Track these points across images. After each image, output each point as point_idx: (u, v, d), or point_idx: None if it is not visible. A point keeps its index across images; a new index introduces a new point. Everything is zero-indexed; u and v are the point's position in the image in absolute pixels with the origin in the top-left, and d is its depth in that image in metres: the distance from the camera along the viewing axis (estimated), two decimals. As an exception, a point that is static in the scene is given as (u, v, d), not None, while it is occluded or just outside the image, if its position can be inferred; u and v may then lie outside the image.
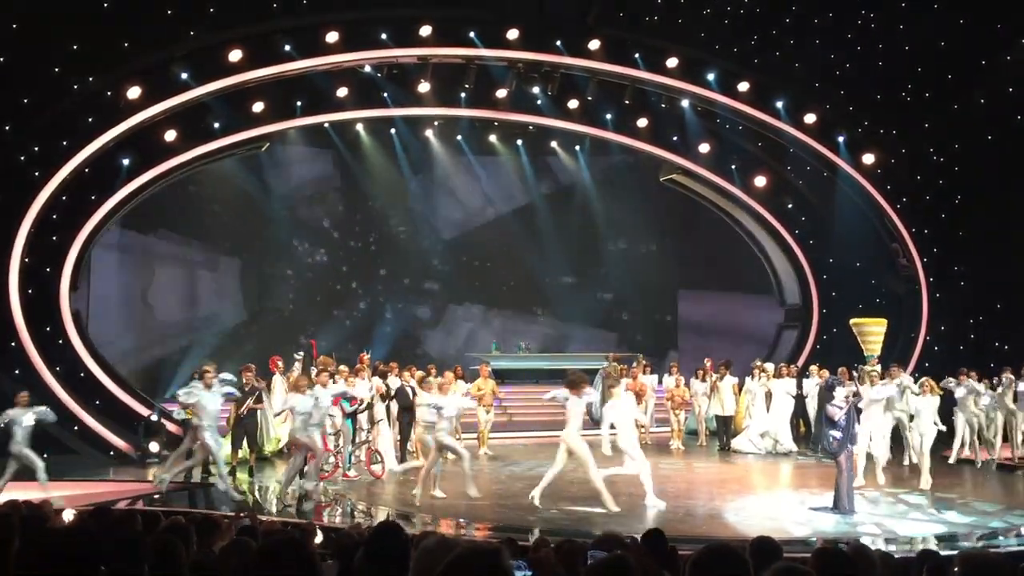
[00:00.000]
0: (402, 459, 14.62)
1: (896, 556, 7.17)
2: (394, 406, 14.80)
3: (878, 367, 15.22)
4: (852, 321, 16.89)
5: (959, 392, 14.49)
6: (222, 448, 12.12)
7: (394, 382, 15.01)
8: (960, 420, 14.62)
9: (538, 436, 17.56)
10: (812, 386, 16.17)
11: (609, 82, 18.78)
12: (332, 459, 13.68)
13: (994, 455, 14.94)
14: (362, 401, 13.86)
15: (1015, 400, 14.86)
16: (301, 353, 15.59)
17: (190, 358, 19.53)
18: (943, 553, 6.91)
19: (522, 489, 12.15)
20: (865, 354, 16.08)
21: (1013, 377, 15.02)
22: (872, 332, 16.46)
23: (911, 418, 13.79)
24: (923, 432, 13.08)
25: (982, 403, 14.74)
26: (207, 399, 11.61)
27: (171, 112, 16.33)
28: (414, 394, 14.96)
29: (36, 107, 15.26)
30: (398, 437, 14.83)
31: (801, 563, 3.43)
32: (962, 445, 14.77)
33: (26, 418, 11.41)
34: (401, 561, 3.33)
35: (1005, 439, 15.13)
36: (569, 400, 10.94)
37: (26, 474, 11.43)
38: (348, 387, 13.62)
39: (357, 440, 14.07)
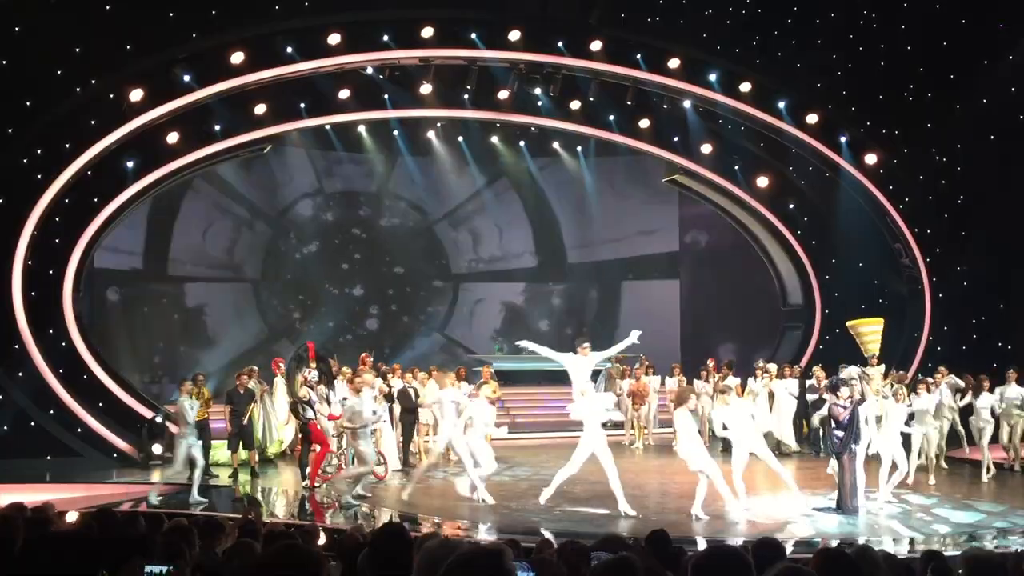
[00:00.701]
0: (405, 461, 14.62)
1: (900, 557, 7.16)
2: (396, 407, 14.80)
3: (881, 367, 15.18)
4: (848, 323, 16.87)
5: (921, 403, 13.14)
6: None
7: (396, 383, 15.01)
8: (916, 434, 13.07)
9: (540, 438, 17.54)
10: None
11: (611, 83, 18.77)
12: (336, 460, 13.69)
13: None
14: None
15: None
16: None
17: (192, 361, 19.59)
18: (947, 553, 6.90)
19: (525, 490, 12.15)
20: (865, 354, 16.05)
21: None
22: (868, 332, 16.39)
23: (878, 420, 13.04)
24: (890, 436, 12.10)
25: (1009, 394, 13.86)
26: (360, 403, 11.68)
27: (173, 114, 16.34)
28: (416, 395, 14.97)
29: (38, 110, 15.27)
30: (400, 439, 14.83)
31: (804, 564, 3.43)
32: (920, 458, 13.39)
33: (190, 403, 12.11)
34: (404, 562, 3.33)
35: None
36: (675, 415, 11.06)
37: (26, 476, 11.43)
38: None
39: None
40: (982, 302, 18.49)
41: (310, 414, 12.97)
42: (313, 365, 13.27)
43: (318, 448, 12.97)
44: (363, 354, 15.90)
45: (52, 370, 15.07)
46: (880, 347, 16.24)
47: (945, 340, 18.76)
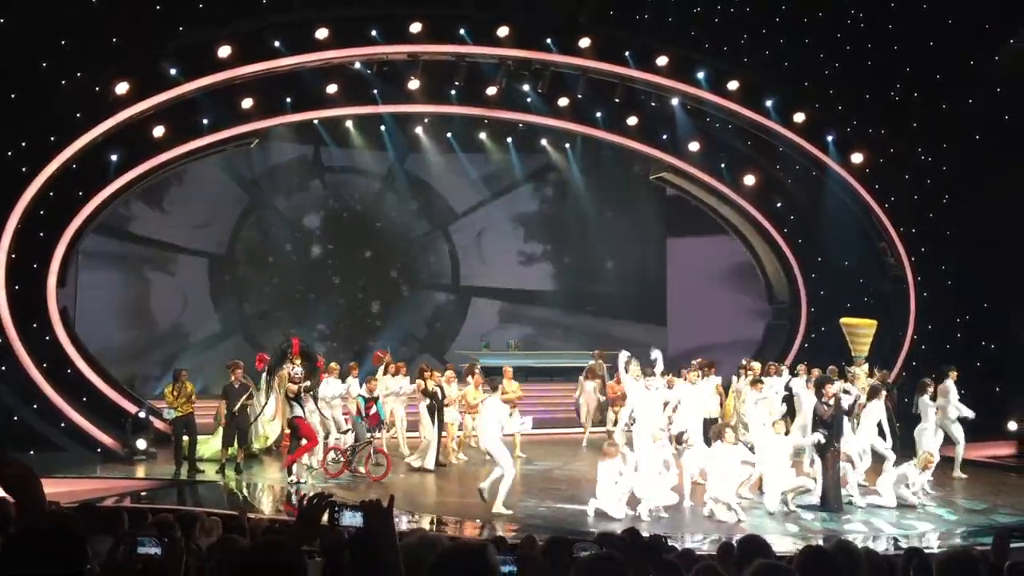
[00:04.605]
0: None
1: (882, 553, 7.20)
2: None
3: (865, 367, 15.25)
4: (842, 321, 16.91)
5: (934, 401, 13.11)
6: None
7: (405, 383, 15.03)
8: (930, 436, 13.04)
9: (531, 435, 17.49)
10: (800, 385, 16.16)
11: (599, 80, 18.76)
12: (340, 459, 13.68)
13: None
14: (376, 400, 13.83)
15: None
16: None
17: (176, 356, 19.51)
18: (929, 551, 6.95)
19: (514, 487, 12.12)
20: (853, 354, 16.10)
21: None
22: (862, 333, 16.43)
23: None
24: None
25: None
26: None
27: (160, 108, 16.22)
28: (443, 395, 14.76)
29: (24, 103, 15.13)
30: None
31: (788, 562, 3.45)
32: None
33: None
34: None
35: None
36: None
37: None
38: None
39: (369, 437, 13.82)
40: (967, 301, 18.60)
41: (298, 410, 12.95)
42: (297, 361, 13.18)
43: (305, 443, 12.96)
44: (379, 351, 15.60)
45: (36, 364, 14.95)
46: (869, 349, 16.33)
47: (930, 339, 18.88)
